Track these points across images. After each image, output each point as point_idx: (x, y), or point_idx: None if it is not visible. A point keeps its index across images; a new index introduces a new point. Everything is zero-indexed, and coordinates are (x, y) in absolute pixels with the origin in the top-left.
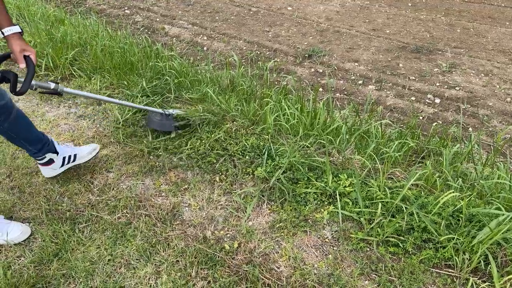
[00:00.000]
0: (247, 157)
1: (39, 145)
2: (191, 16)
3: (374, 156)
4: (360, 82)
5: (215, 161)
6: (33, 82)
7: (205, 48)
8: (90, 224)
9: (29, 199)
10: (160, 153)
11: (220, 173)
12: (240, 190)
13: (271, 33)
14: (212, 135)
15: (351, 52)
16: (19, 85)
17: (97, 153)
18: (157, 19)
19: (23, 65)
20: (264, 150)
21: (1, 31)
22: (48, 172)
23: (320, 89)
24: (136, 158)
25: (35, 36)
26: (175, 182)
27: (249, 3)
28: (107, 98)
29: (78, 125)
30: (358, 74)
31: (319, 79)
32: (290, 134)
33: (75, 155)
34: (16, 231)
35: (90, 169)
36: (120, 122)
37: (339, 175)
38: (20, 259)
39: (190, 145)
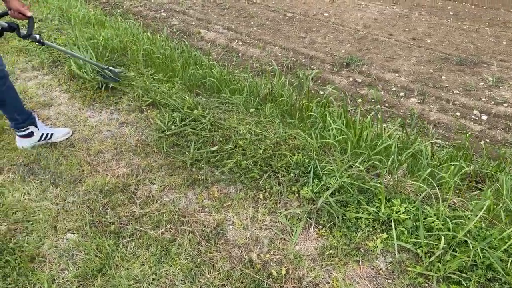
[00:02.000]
0: (291, 174)
1: (25, 116)
2: (226, 20)
3: (431, 180)
4: (402, 94)
5: (258, 177)
6: (33, 35)
7: (240, 54)
8: (134, 239)
9: (72, 209)
10: (202, 165)
11: (264, 191)
12: (285, 210)
13: (307, 40)
14: (255, 150)
15: (391, 62)
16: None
17: (71, 135)
18: (193, 23)
19: (30, 13)
20: (309, 168)
21: None
22: (25, 143)
23: (359, 100)
24: (179, 170)
25: (79, 39)
26: (218, 198)
27: (284, 8)
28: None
29: (120, 132)
30: (399, 86)
31: (358, 89)
32: (336, 151)
33: (51, 134)
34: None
35: (134, 178)
36: (163, 131)
37: (392, 199)
38: (64, 273)
39: (232, 159)
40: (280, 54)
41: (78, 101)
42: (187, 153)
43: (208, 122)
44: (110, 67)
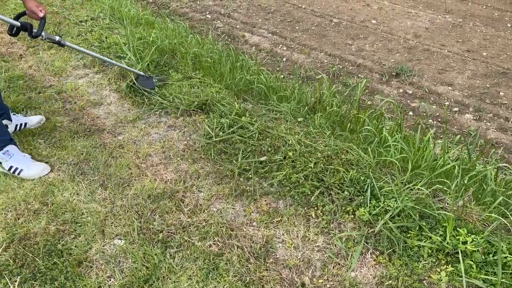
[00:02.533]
0: (345, 192)
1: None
2: (271, 24)
3: (503, 209)
4: (456, 109)
5: (309, 192)
6: (43, 33)
7: (284, 59)
8: (182, 250)
9: (120, 213)
10: (250, 175)
11: (315, 208)
12: (339, 231)
13: (354, 47)
14: (306, 163)
15: (444, 74)
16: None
17: (43, 122)
18: (237, 26)
19: (42, 14)
20: (366, 186)
21: None
22: None
23: (410, 113)
24: (226, 179)
25: (130, 39)
26: (267, 212)
27: (330, 13)
28: (100, 56)
29: (168, 135)
30: (452, 100)
31: (408, 101)
32: (395, 171)
33: (25, 124)
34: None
35: (182, 185)
36: (211, 137)
37: (458, 228)
38: (110, 280)
39: (281, 171)
40: (325, 61)
41: (128, 101)
42: (234, 161)
43: (256, 130)
44: (149, 74)
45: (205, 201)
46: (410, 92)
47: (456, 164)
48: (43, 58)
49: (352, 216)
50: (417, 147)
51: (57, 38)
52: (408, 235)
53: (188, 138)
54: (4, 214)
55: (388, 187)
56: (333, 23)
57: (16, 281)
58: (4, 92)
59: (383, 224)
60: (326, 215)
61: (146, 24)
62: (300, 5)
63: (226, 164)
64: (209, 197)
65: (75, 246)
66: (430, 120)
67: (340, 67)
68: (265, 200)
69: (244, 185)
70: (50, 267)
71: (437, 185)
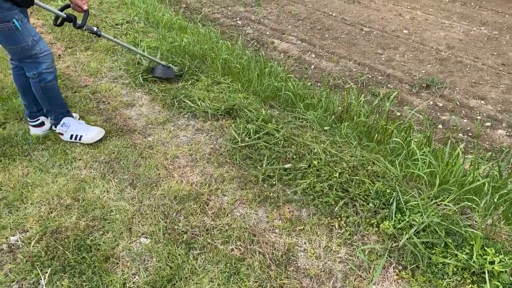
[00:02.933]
0: (370, 204)
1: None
2: (300, 31)
3: None
4: (488, 124)
5: (333, 202)
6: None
7: (312, 67)
8: (205, 252)
9: (148, 212)
10: (274, 182)
11: (339, 219)
12: (362, 243)
13: (384, 56)
14: (331, 173)
15: (477, 88)
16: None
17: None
18: (267, 32)
19: (85, 7)
20: (391, 199)
21: None
22: (37, 131)
23: (440, 126)
24: (250, 184)
25: (162, 43)
26: (289, 219)
27: (361, 22)
28: (133, 48)
29: (195, 138)
30: (484, 114)
31: (438, 114)
32: (422, 185)
33: (81, 136)
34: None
35: (207, 188)
36: (237, 142)
37: (485, 247)
38: (135, 277)
39: (305, 179)
40: (354, 70)
41: (159, 104)
42: (259, 167)
43: (282, 137)
44: (169, 65)
45: (229, 205)
46: (441, 104)
47: (486, 181)
48: (80, 59)
49: (376, 228)
50: (446, 162)
51: (95, 29)
52: (433, 251)
53: (214, 142)
54: (38, 207)
55: (414, 201)
56: (363, 32)
57: (47, 272)
58: None
59: (407, 238)
60: (350, 227)
61: (178, 29)
62: (330, 13)
63: (250, 169)
64: (233, 201)
65: (103, 242)
66: (461, 134)
67: (369, 76)
68: (288, 208)
69: (268, 191)
70: (79, 261)
71: (465, 202)
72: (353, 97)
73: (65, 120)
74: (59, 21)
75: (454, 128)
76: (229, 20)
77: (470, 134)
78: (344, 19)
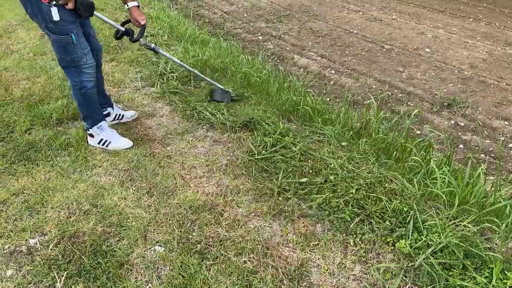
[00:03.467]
0: (387, 222)
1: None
2: (320, 48)
3: None
4: (511, 145)
5: (349, 219)
6: (142, 40)
7: (331, 82)
8: (218, 263)
9: (163, 221)
10: (290, 196)
11: (354, 235)
12: (378, 262)
13: (405, 74)
14: (347, 189)
15: (500, 108)
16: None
17: (135, 118)
18: (287, 48)
19: (143, 22)
20: (408, 218)
21: (127, 5)
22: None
23: (461, 146)
24: (265, 197)
25: (184, 56)
26: (304, 234)
27: (382, 39)
28: (192, 69)
29: (213, 150)
30: (508, 136)
31: (460, 133)
32: (441, 204)
33: (123, 115)
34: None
35: (222, 199)
36: (254, 154)
37: (506, 271)
38: (148, 285)
39: (321, 194)
40: (374, 87)
41: (179, 115)
42: (275, 180)
43: (299, 151)
44: (228, 90)
45: (243, 217)
46: (462, 124)
47: (508, 203)
48: (104, 69)
49: (392, 247)
50: (466, 182)
51: (153, 45)
52: (451, 273)
53: (231, 153)
54: (58, 211)
55: (432, 220)
56: (384, 49)
57: (62, 276)
58: (68, 98)
59: (424, 258)
60: (365, 244)
61: (201, 43)
62: (351, 30)
63: (266, 182)
64: (247, 213)
65: (118, 248)
66: (483, 155)
67: (389, 93)
68: (303, 222)
69: (283, 205)
70: (94, 266)
71: (486, 224)
72: (372, 113)
73: (102, 124)
74: (119, 35)
75: (476, 148)
76: (250, 36)
77: (493, 155)
78: (365, 36)
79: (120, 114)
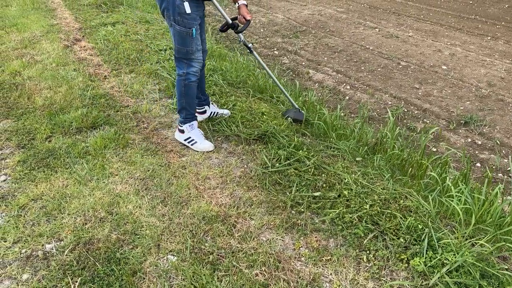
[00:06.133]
0: (401, 239)
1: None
2: (336, 63)
3: None
4: None
5: (363, 234)
6: (242, 37)
7: (347, 98)
8: (229, 275)
9: (176, 230)
10: (303, 209)
11: (368, 252)
12: (391, 279)
13: (421, 91)
14: (361, 204)
15: None
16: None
17: (226, 116)
18: (303, 63)
19: (248, 17)
20: (423, 236)
21: (237, 3)
22: (200, 118)
23: (478, 164)
24: (278, 210)
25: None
26: (316, 248)
27: (398, 56)
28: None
29: (227, 161)
30: None
31: (476, 152)
32: (457, 223)
33: (217, 113)
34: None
35: (235, 210)
36: (267, 167)
37: None
38: None
39: (335, 209)
40: (390, 103)
41: None
42: (288, 193)
43: (313, 165)
44: (300, 109)
45: (255, 229)
46: (479, 142)
47: None
48: (124, 80)
49: (406, 265)
50: (483, 201)
51: (250, 45)
52: None
53: (245, 166)
54: (74, 218)
55: (448, 239)
56: (400, 66)
57: (77, 281)
58: (88, 108)
59: (439, 277)
60: (378, 261)
61: (218, 57)
62: (367, 47)
63: (279, 195)
64: (260, 225)
65: (132, 256)
66: (500, 174)
67: (405, 110)
68: (316, 237)
69: (296, 218)
70: (108, 273)
71: (503, 243)
72: (387, 129)
73: (194, 123)
74: (225, 27)
75: (493, 167)
76: (266, 50)
77: (511, 175)
78: (381, 52)
79: (215, 112)
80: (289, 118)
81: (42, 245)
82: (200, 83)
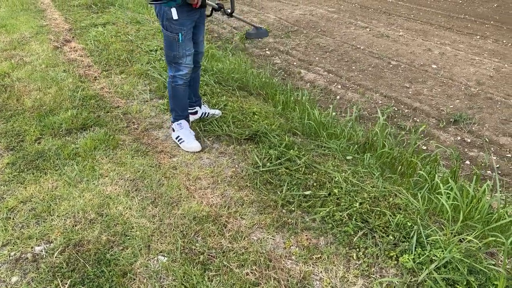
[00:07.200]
0: (390, 236)
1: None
2: (327, 63)
3: None
4: None
5: (352, 232)
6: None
7: (338, 97)
8: (220, 274)
9: (167, 231)
10: (293, 208)
11: (357, 249)
12: (380, 276)
13: (411, 90)
14: (351, 202)
15: (507, 125)
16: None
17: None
18: (294, 63)
19: None
20: (412, 233)
21: None
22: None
23: (467, 162)
24: (269, 209)
25: None
26: (307, 247)
27: (389, 56)
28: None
29: (218, 161)
30: None
31: (466, 150)
32: (445, 220)
33: (208, 113)
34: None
35: (226, 210)
36: (258, 167)
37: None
38: None
39: (325, 207)
40: (380, 102)
41: None
42: (279, 192)
43: (303, 164)
44: (261, 26)
45: (246, 229)
46: (469, 140)
47: None
48: (114, 81)
49: (395, 262)
50: (471, 198)
51: (228, 10)
52: None
53: (236, 165)
54: (64, 220)
55: (436, 236)
56: (391, 65)
57: (66, 283)
58: (78, 109)
59: (427, 274)
60: (368, 258)
61: (211, 57)
62: (358, 46)
63: (270, 194)
64: (251, 225)
65: (122, 257)
66: (489, 172)
67: (395, 109)
68: (306, 235)
69: (286, 217)
70: (98, 275)
71: (490, 238)
72: (378, 128)
73: (183, 122)
74: (210, 12)
75: (482, 165)
76: (258, 50)
77: (500, 172)
78: (372, 52)
79: (206, 113)
80: (253, 39)
81: (32, 247)
82: (193, 84)
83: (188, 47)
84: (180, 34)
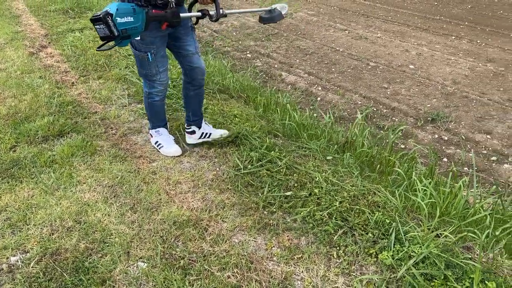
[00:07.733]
0: (369, 234)
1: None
2: (308, 65)
3: None
4: (494, 158)
5: (333, 231)
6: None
7: (318, 99)
8: (201, 279)
9: (146, 237)
10: (275, 209)
11: (338, 248)
12: (361, 273)
13: (389, 90)
14: (331, 201)
15: (482, 122)
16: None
17: (227, 137)
18: (275, 66)
19: None
20: (390, 230)
21: None
22: (189, 139)
23: (445, 159)
24: (251, 211)
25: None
26: (288, 247)
27: (367, 57)
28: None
29: (199, 165)
30: (490, 149)
31: (443, 147)
32: (422, 216)
33: (210, 134)
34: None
35: (207, 214)
36: (240, 169)
37: (486, 281)
38: None
39: (306, 207)
40: (359, 102)
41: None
42: (260, 194)
43: (284, 165)
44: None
45: (228, 232)
46: (446, 138)
47: (487, 214)
48: (91, 87)
49: (375, 259)
50: (447, 194)
51: (221, 11)
52: (432, 283)
53: (217, 168)
54: (40, 228)
55: (414, 232)
56: (369, 67)
57: None
58: (54, 116)
59: (406, 270)
60: (348, 256)
61: None
62: (337, 49)
63: (251, 196)
64: (232, 228)
65: (101, 265)
66: (466, 168)
67: (374, 109)
68: (288, 236)
69: (268, 218)
70: (76, 283)
71: (466, 233)
72: (357, 128)
73: (161, 129)
74: (195, 21)
75: (459, 161)
76: (239, 53)
77: (476, 168)
78: (351, 54)
79: (207, 133)
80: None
81: (7, 257)
82: (192, 102)
83: (160, 64)
84: (149, 54)
